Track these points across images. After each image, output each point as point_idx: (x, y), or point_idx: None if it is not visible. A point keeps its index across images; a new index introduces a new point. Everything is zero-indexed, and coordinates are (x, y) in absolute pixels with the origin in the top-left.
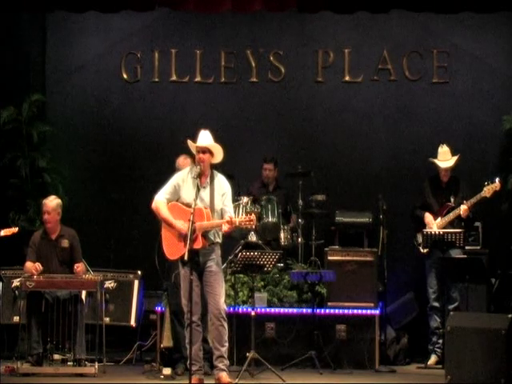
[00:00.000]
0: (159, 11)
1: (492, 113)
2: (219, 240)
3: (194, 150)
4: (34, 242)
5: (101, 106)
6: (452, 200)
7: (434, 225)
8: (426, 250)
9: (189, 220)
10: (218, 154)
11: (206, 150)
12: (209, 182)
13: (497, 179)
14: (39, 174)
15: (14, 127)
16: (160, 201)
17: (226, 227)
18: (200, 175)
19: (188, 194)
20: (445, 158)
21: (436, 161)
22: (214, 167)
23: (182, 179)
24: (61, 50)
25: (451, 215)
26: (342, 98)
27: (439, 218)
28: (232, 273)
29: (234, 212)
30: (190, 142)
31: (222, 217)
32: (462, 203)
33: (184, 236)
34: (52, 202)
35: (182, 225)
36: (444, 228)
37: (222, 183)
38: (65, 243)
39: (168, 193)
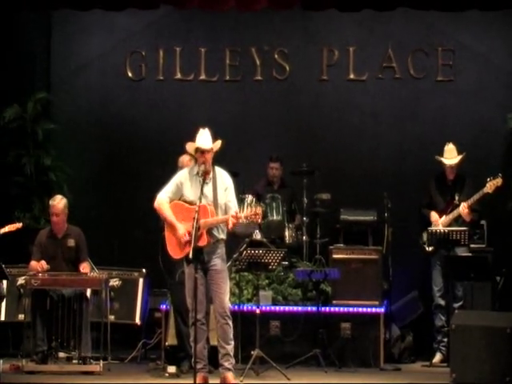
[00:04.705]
0: (164, 9)
1: (497, 111)
2: (224, 236)
3: (192, 151)
4: (40, 241)
5: (105, 104)
6: (457, 198)
7: (439, 224)
8: (431, 249)
9: (193, 218)
10: (216, 148)
11: (209, 150)
12: (211, 177)
13: (499, 175)
14: (44, 172)
15: (19, 125)
16: (162, 200)
17: (231, 223)
18: (205, 174)
19: (191, 191)
20: (450, 156)
21: (441, 158)
22: (218, 163)
23: (184, 177)
24: (65, 48)
25: (455, 212)
26: (346, 97)
27: (444, 216)
28: (237, 271)
29: (239, 209)
30: (189, 144)
31: (225, 212)
32: (464, 202)
33: (185, 242)
34: (60, 203)
35: (183, 229)
36: (449, 226)
37: (224, 178)
38: (71, 242)
39: (170, 191)
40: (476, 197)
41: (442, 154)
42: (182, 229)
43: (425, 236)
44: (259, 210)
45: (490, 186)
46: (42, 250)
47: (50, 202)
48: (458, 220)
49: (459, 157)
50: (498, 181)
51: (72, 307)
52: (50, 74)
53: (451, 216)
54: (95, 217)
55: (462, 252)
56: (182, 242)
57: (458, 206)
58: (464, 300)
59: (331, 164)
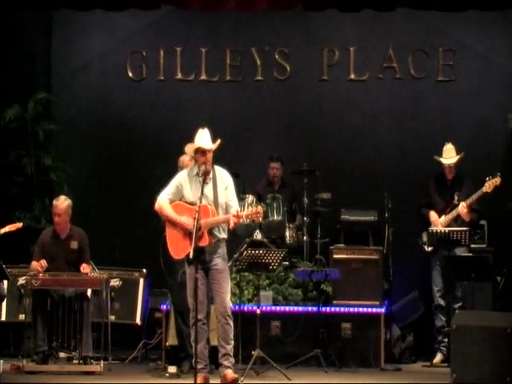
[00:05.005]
0: (164, 9)
1: (497, 111)
2: (225, 236)
3: (192, 152)
4: (43, 241)
5: (106, 105)
6: (456, 197)
7: (439, 224)
8: (430, 249)
9: (194, 218)
10: (215, 147)
11: (210, 150)
12: (211, 177)
13: (497, 174)
14: (45, 172)
15: (20, 125)
16: (163, 201)
17: (232, 222)
18: (205, 174)
19: (191, 193)
20: (449, 156)
21: (440, 158)
22: (218, 163)
23: (184, 178)
24: (66, 49)
25: (454, 212)
26: (347, 97)
27: (443, 216)
28: (237, 271)
29: (239, 209)
30: (188, 146)
31: (226, 211)
32: (463, 201)
33: (189, 231)
34: (63, 204)
35: (187, 219)
36: (448, 225)
37: (224, 177)
38: (74, 244)
39: (170, 193)
40: (475, 196)
41: (441, 154)
42: (186, 218)
43: (424, 236)
44: (260, 208)
45: (489, 185)
46: (44, 250)
47: (54, 202)
48: (458, 220)
49: (457, 156)
50: (497, 180)
51: (73, 307)
52: (51, 74)
53: (450, 216)
54: (95, 217)
55: (460, 252)
56: (188, 229)
57: (457, 205)
58: (464, 300)
59: (331, 164)
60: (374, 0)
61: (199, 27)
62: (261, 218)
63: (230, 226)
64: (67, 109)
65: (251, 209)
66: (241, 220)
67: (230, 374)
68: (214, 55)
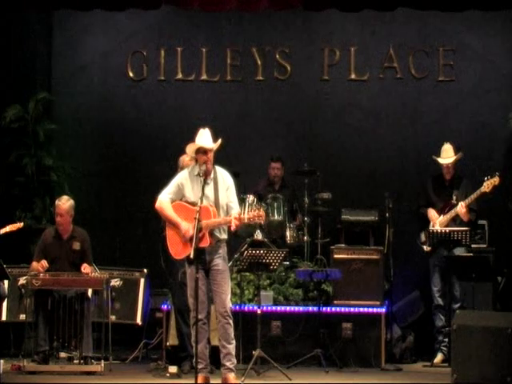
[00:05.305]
0: (165, 9)
1: (498, 111)
2: (225, 237)
3: (193, 152)
4: (45, 241)
5: (107, 105)
6: (454, 197)
7: (436, 219)
8: (429, 249)
9: (195, 218)
10: (217, 146)
11: (211, 149)
12: (212, 177)
13: (496, 174)
14: (45, 173)
15: (21, 125)
16: (164, 200)
17: (234, 224)
18: (206, 174)
19: (192, 192)
20: (446, 156)
21: (437, 158)
22: (219, 163)
23: (185, 178)
24: (67, 49)
25: (452, 212)
26: (347, 96)
27: (441, 216)
28: (238, 271)
29: (240, 210)
30: (189, 146)
31: (227, 212)
32: (461, 201)
33: (190, 238)
34: (65, 204)
35: (187, 226)
36: (446, 225)
37: (225, 178)
38: (76, 245)
39: (171, 192)
40: (474, 196)
41: (439, 154)
42: (185, 224)
43: (423, 236)
44: (262, 211)
45: (488, 185)
46: (46, 251)
47: (56, 202)
48: (456, 220)
49: (455, 156)
50: (496, 180)
51: (73, 307)
52: (52, 74)
53: (449, 216)
54: (96, 216)
55: (459, 252)
56: (187, 237)
57: (456, 205)
58: (464, 300)
59: (332, 164)
60: (374, 0)
61: (200, 27)
62: (262, 221)
63: (232, 229)
64: (68, 109)
65: (253, 211)
66: (242, 222)
67: (231, 378)
68: (215, 55)
